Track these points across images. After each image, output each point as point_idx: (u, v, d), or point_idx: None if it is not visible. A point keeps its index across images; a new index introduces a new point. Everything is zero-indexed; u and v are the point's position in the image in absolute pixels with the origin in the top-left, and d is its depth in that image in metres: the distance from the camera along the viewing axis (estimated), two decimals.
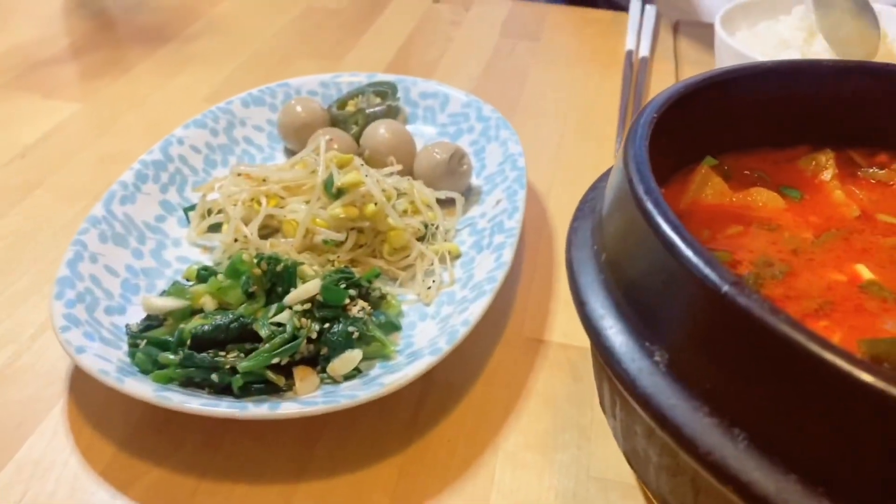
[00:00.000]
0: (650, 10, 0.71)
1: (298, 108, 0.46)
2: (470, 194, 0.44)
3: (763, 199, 0.30)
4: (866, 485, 0.18)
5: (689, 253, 0.21)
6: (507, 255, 0.36)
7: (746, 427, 0.19)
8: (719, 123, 0.32)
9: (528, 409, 0.33)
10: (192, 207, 0.40)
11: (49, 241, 0.41)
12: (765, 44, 0.50)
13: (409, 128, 0.49)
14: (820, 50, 0.50)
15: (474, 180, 0.45)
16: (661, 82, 0.60)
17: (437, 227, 0.40)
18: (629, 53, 0.63)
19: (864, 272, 0.27)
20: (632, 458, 0.26)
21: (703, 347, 0.20)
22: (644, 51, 0.64)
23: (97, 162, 0.47)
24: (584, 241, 0.27)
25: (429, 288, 0.37)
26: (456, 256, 0.39)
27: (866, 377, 0.17)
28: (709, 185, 0.30)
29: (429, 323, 0.35)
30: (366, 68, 0.60)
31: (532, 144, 0.50)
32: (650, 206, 0.23)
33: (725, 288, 0.19)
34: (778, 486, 0.18)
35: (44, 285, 0.38)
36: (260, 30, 0.66)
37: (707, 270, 0.20)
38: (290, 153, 0.47)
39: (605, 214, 0.26)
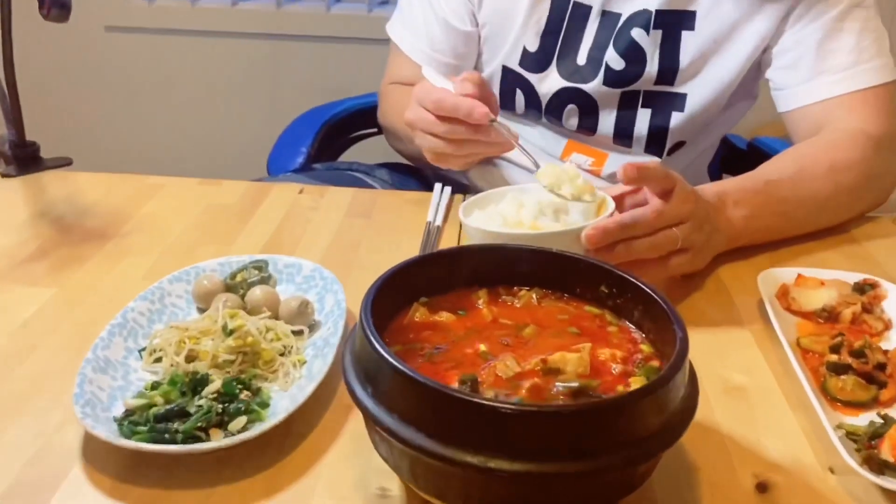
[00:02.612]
0: (447, 190, 1.04)
1: (205, 282, 0.75)
2: (315, 326, 0.73)
3: (444, 317, 0.60)
4: (431, 422, 0.47)
5: (376, 344, 0.50)
6: (329, 358, 0.65)
7: (397, 411, 0.48)
8: (427, 279, 0.62)
9: (345, 437, 0.61)
10: (143, 349, 0.68)
11: (54, 377, 0.67)
12: (490, 219, 0.83)
13: (277, 288, 0.79)
14: (525, 216, 0.82)
15: (318, 317, 0.74)
16: (447, 243, 0.92)
17: (292, 347, 0.69)
18: (428, 224, 0.96)
19: (482, 347, 0.57)
20: (378, 448, 0.54)
21: (379, 383, 0.49)
22: (438, 221, 0.97)
23: (75, 327, 0.74)
24: (351, 345, 0.56)
25: (286, 381, 0.65)
26: (303, 363, 0.68)
27: (435, 386, 0.47)
28: (418, 313, 0.60)
29: (287, 400, 0.63)
30: (250, 247, 0.90)
31: (361, 291, 0.79)
32: (366, 326, 0.52)
33: (385, 355, 0.49)
34: (403, 429, 0.47)
35: (59, 398, 0.64)
36: (173, 225, 0.95)
37: (382, 351, 0.49)
38: (201, 311, 0.75)
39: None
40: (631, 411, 0.47)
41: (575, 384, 0.52)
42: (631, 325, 0.60)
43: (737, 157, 1.46)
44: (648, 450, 0.47)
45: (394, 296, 0.60)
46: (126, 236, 0.92)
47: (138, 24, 2.22)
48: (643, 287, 0.58)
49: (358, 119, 1.43)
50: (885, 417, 0.62)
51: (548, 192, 0.80)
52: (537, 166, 0.84)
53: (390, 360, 0.48)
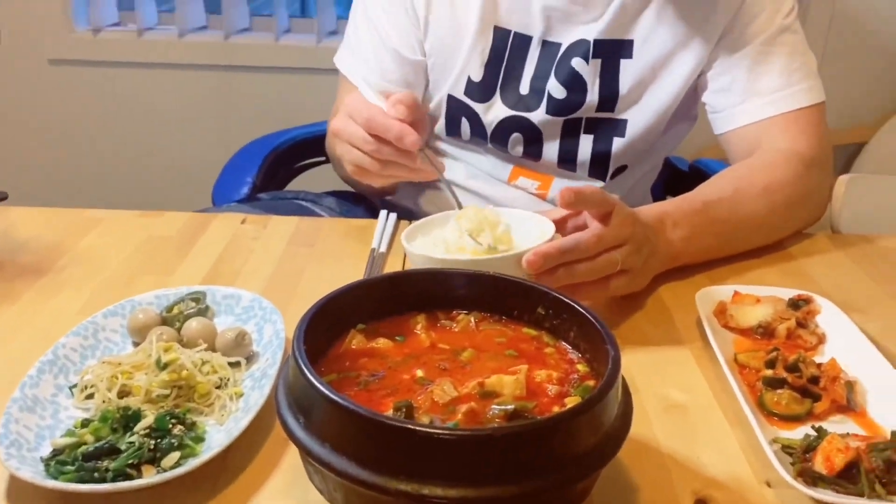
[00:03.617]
0: (392, 217, 1.04)
1: (140, 315, 0.73)
2: (253, 357, 0.72)
3: (381, 343, 0.60)
4: (363, 450, 0.46)
5: (306, 372, 0.49)
6: (266, 389, 0.64)
7: (329, 441, 0.47)
8: (364, 306, 0.62)
9: (282, 470, 0.60)
10: (75, 385, 0.66)
11: None
12: (434, 244, 0.83)
13: (216, 319, 0.77)
14: (466, 243, 0.83)
15: (256, 348, 0.73)
16: (392, 270, 0.92)
17: (228, 380, 0.67)
18: (372, 251, 0.95)
19: (419, 373, 0.57)
20: (312, 479, 0.53)
21: (311, 413, 0.49)
22: (383, 248, 0.96)
23: (4, 364, 0.72)
24: (284, 376, 0.55)
25: (223, 414, 0.64)
26: (240, 395, 0.66)
27: (366, 413, 0.46)
28: (354, 340, 0.60)
29: (223, 434, 0.62)
30: (190, 279, 0.88)
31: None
32: (297, 354, 0.51)
33: (314, 382, 0.48)
34: (335, 459, 0.46)
35: None
36: (112, 257, 0.93)
37: (312, 379, 0.49)
38: (137, 345, 0.73)
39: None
40: (564, 431, 0.47)
41: (510, 406, 0.51)
42: (567, 346, 0.60)
43: (679, 178, 1.49)
44: (584, 469, 0.47)
45: (330, 324, 0.59)
46: (61, 271, 0.90)
47: (83, 57, 2.19)
48: (577, 307, 0.59)
49: (305, 148, 1.42)
50: (818, 430, 0.63)
51: (467, 236, 0.80)
52: (460, 206, 0.84)
53: (320, 388, 0.48)
